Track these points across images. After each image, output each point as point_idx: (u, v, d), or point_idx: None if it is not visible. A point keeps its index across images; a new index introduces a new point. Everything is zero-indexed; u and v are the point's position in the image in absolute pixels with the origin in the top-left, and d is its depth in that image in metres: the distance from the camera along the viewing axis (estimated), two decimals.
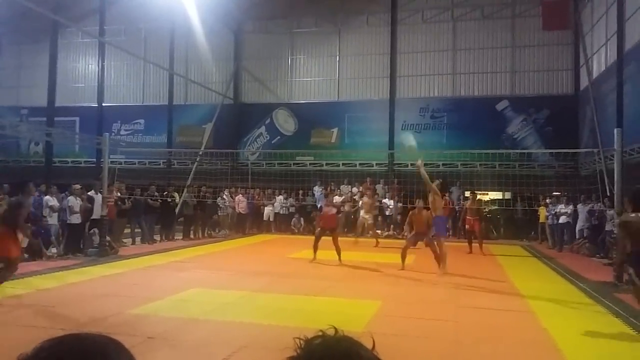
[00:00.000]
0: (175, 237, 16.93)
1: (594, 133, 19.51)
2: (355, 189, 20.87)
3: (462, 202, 19.73)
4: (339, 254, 11.78)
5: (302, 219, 20.59)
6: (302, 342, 1.09)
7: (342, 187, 21.16)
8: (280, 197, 20.83)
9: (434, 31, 24.26)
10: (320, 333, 1.10)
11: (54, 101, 24.71)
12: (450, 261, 11.74)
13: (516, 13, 23.43)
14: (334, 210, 12.63)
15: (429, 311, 7.55)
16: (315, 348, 1.07)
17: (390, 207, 19.80)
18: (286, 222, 20.76)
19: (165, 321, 6.71)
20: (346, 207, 20.13)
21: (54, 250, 12.56)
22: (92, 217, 13.31)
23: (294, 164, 24.01)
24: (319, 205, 20.50)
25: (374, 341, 1.12)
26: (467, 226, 15.66)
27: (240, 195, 19.50)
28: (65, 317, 6.70)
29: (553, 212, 16.73)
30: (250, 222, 20.40)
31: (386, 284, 9.55)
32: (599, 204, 15.40)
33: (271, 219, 20.76)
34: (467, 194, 18.03)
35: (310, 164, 24.04)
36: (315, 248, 12.01)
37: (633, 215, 6.24)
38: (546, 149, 21.62)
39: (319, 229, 12.44)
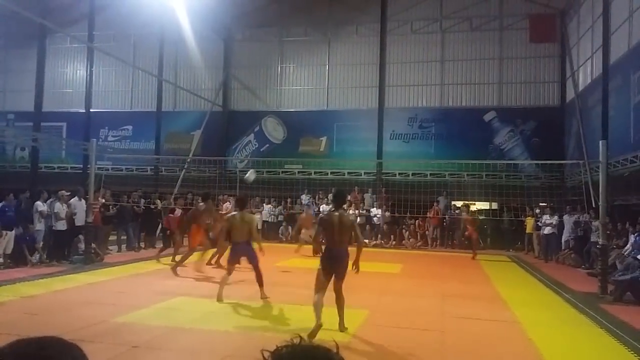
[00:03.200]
0: (157, 245, 16.68)
1: (579, 145, 19.73)
2: None
3: (450, 211, 19.88)
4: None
5: (290, 227, 20.55)
6: (269, 353, 1.09)
7: (330, 195, 21.13)
8: (269, 205, 20.79)
9: (423, 42, 24.46)
10: (288, 342, 1.10)
11: (41, 106, 24.47)
12: (437, 271, 11.79)
13: (504, 25, 23.69)
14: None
15: (415, 321, 7.56)
16: (283, 357, 1.07)
17: (378, 216, 19.84)
18: (274, 230, 20.70)
19: (150, 330, 6.65)
20: None
21: (37, 256, 12.39)
22: (75, 224, 13.16)
23: (282, 172, 23.98)
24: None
25: (337, 345, 1.13)
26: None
27: (228, 202, 19.40)
28: (49, 325, 6.61)
29: (543, 222, 16.87)
30: None
31: (374, 293, 9.55)
32: (584, 215, 15.55)
33: (259, 227, 20.68)
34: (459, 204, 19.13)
35: (298, 172, 24.04)
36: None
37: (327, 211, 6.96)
38: (532, 160, 21.82)
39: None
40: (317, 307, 6.46)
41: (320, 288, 6.60)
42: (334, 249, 6.67)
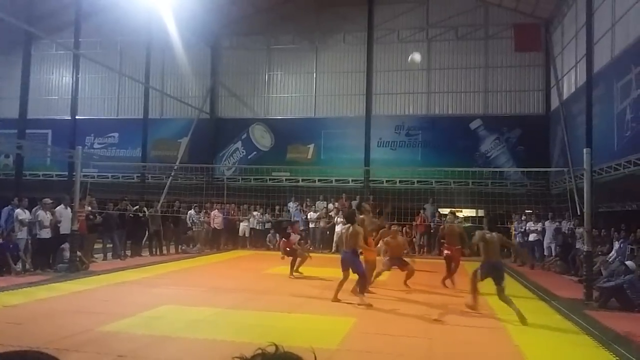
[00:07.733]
0: (142, 254, 16.54)
1: (564, 152, 19.96)
2: (331, 205, 20.89)
3: (437, 219, 19.93)
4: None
5: (277, 234, 20.47)
6: None
7: (317, 203, 21.15)
8: (256, 212, 20.73)
9: (409, 50, 24.54)
10: (259, 351, 1.10)
11: (26, 113, 24.18)
12: (423, 279, 11.81)
13: (489, 35, 23.97)
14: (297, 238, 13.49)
15: (402, 328, 7.57)
16: None
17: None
18: (262, 238, 20.63)
19: (136, 339, 6.59)
20: (321, 224, 20.12)
21: (21, 265, 12.22)
22: (60, 232, 13.01)
23: (270, 179, 23.98)
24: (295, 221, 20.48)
25: (315, 356, 1.13)
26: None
27: (216, 210, 19.34)
28: (33, 335, 6.52)
29: (521, 230, 17.06)
30: (225, 238, 20.22)
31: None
32: (569, 222, 15.70)
33: (247, 235, 20.63)
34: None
35: (286, 179, 24.04)
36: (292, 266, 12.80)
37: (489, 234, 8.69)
38: (518, 168, 22.02)
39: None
40: (474, 295, 8.90)
41: (474, 285, 8.89)
42: (495, 261, 8.66)
